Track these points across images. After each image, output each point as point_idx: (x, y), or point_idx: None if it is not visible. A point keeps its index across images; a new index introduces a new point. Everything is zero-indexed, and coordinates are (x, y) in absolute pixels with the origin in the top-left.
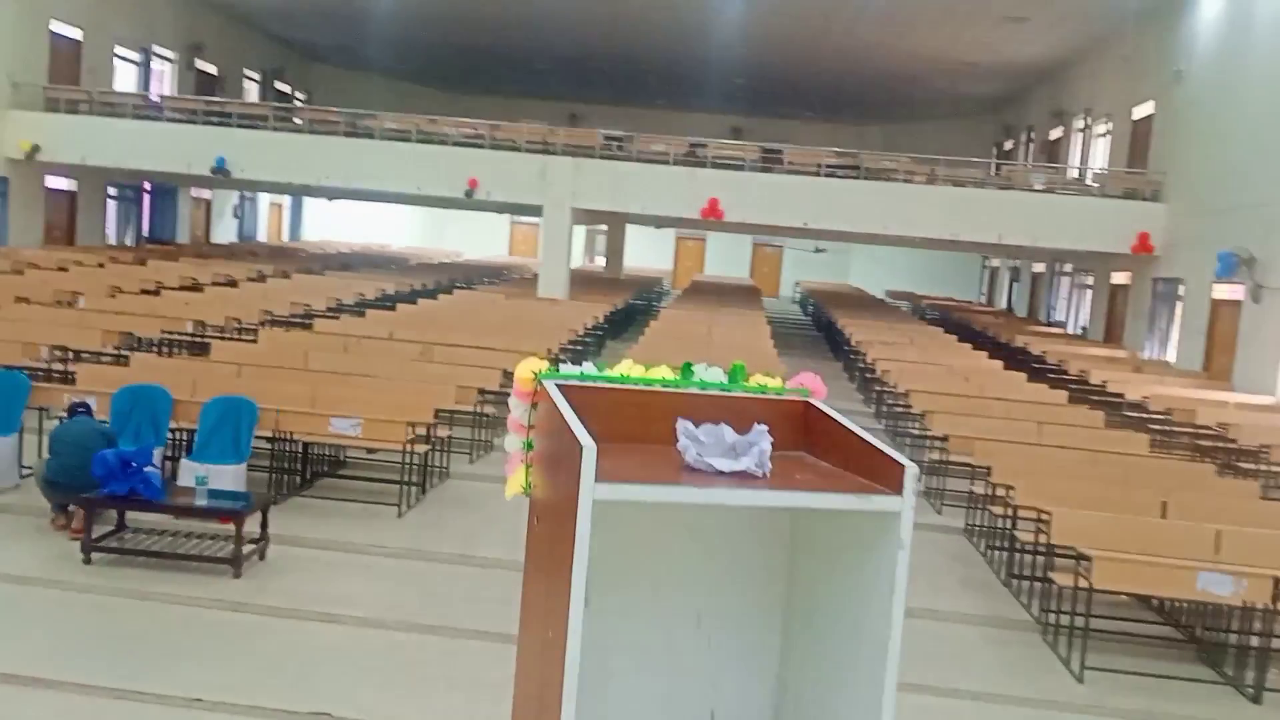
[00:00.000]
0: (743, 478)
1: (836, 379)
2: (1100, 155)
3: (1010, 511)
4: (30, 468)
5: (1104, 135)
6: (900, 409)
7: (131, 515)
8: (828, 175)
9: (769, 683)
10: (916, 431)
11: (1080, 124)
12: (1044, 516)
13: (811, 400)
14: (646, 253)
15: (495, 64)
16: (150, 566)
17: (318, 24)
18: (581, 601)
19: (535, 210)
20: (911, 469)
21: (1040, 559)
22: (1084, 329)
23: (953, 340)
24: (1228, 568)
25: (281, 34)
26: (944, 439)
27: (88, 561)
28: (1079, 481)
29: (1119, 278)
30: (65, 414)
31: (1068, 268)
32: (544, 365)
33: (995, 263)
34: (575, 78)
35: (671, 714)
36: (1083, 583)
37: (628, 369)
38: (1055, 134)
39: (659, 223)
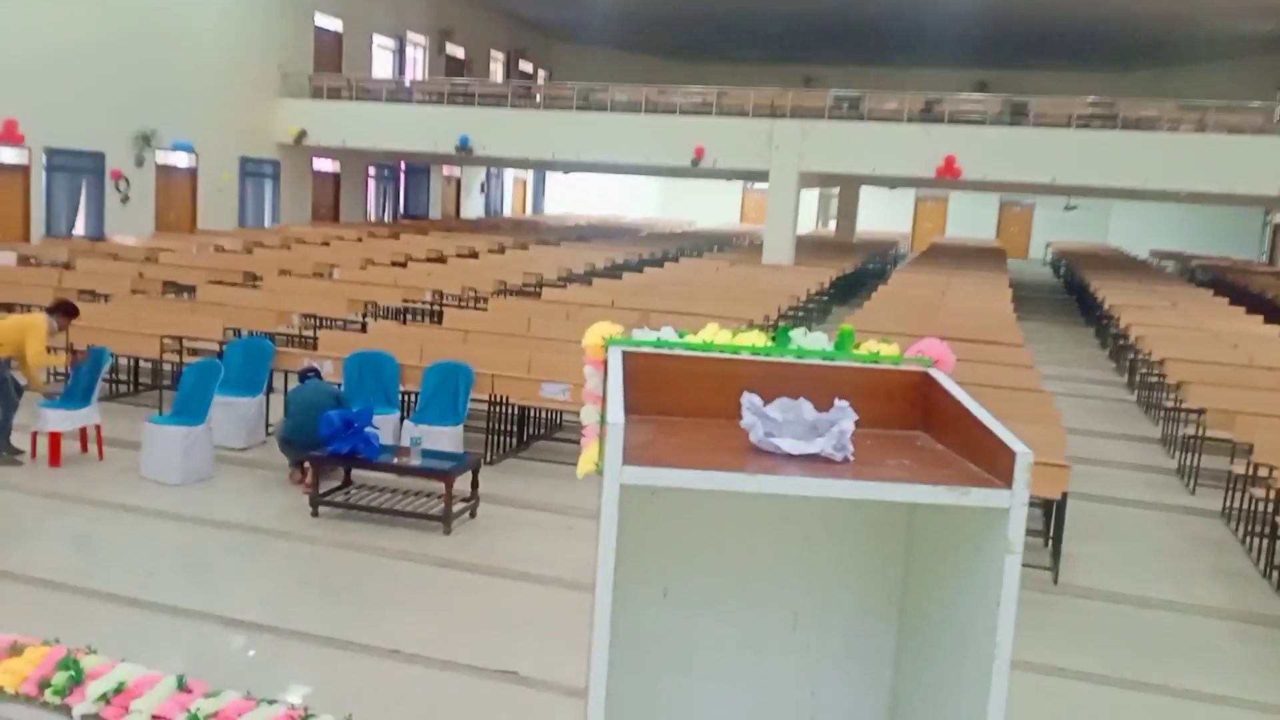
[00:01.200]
0: (816, 462)
1: (1087, 346)
2: None
3: (1273, 495)
4: (275, 426)
5: None
6: (1154, 379)
7: (357, 473)
8: (1080, 127)
9: (880, 695)
10: (1170, 404)
11: None
12: None
13: (932, 371)
14: (884, 215)
15: (727, 31)
16: (371, 521)
17: (556, 3)
18: (609, 595)
19: (766, 177)
20: (1025, 456)
21: None
22: None
23: (1223, 303)
24: None
25: (524, 14)
26: (1200, 412)
27: (315, 514)
28: None
29: None
30: (298, 378)
31: None
32: (617, 330)
33: (1279, 218)
34: (809, 40)
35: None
36: None
37: (712, 335)
38: None
39: (893, 183)
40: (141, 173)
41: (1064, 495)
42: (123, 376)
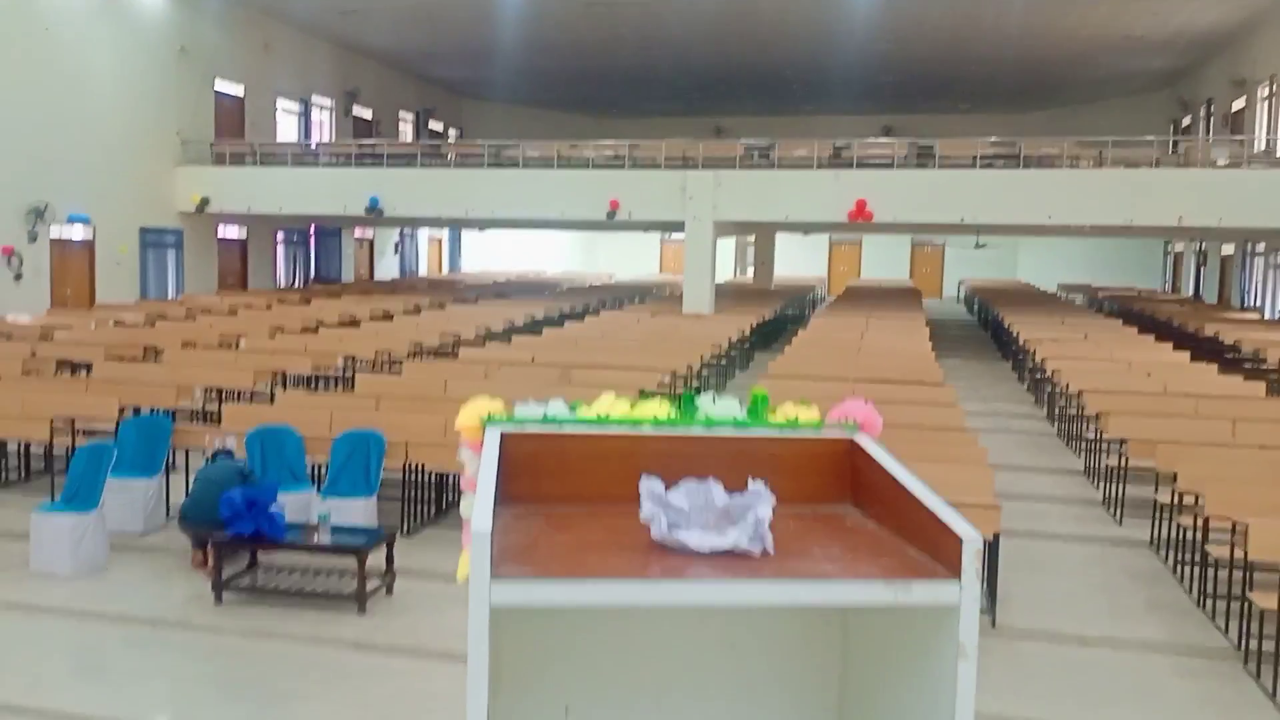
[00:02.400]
0: (731, 559)
1: (1005, 381)
2: None
3: (1200, 523)
4: (175, 508)
5: None
6: (1074, 411)
7: (264, 555)
8: (985, 167)
9: None
10: (1091, 436)
11: (1265, 91)
12: (1239, 528)
13: (858, 438)
14: (799, 261)
15: (636, 84)
16: (279, 604)
17: (464, 63)
18: (484, 698)
19: (682, 227)
20: (973, 542)
21: (1238, 575)
22: None
23: (1132, 332)
24: None
25: (431, 74)
26: (1122, 442)
27: (219, 601)
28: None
29: None
30: (208, 459)
31: (1260, 247)
32: (495, 406)
33: (1179, 247)
34: (718, 92)
35: None
36: None
37: (608, 406)
38: (1238, 105)
39: (806, 229)
40: (35, 248)
41: (996, 536)
42: (13, 463)
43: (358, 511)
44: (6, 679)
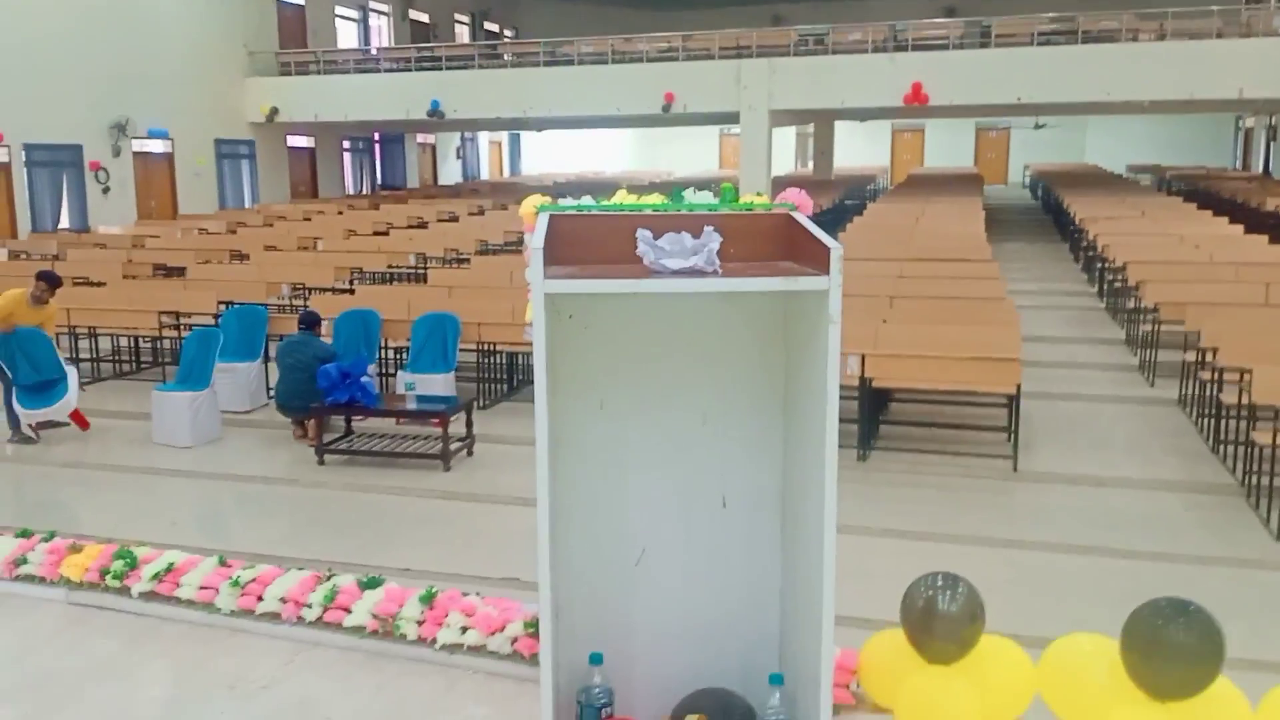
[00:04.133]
0: (694, 274)
1: (1062, 261)
2: None
3: (1216, 375)
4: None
5: None
6: (1119, 284)
7: (357, 423)
8: (1043, 44)
9: (774, 470)
10: (1132, 306)
11: None
12: (1246, 376)
13: (794, 214)
14: (862, 151)
15: None
16: (373, 465)
17: None
18: (545, 399)
19: (738, 119)
20: (836, 250)
21: (1244, 421)
22: None
23: (1191, 209)
24: None
25: None
26: (1156, 307)
27: (321, 463)
28: None
29: None
30: (297, 323)
31: None
32: (546, 199)
33: (1250, 123)
34: None
35: (687, 502)
36: None
37: (621, 198)
38: None
39: (863, 115)
40: (119, 162)
41: (1018, 388)
42: (125, 356)
43: (438, 385)
44: (146, 524)
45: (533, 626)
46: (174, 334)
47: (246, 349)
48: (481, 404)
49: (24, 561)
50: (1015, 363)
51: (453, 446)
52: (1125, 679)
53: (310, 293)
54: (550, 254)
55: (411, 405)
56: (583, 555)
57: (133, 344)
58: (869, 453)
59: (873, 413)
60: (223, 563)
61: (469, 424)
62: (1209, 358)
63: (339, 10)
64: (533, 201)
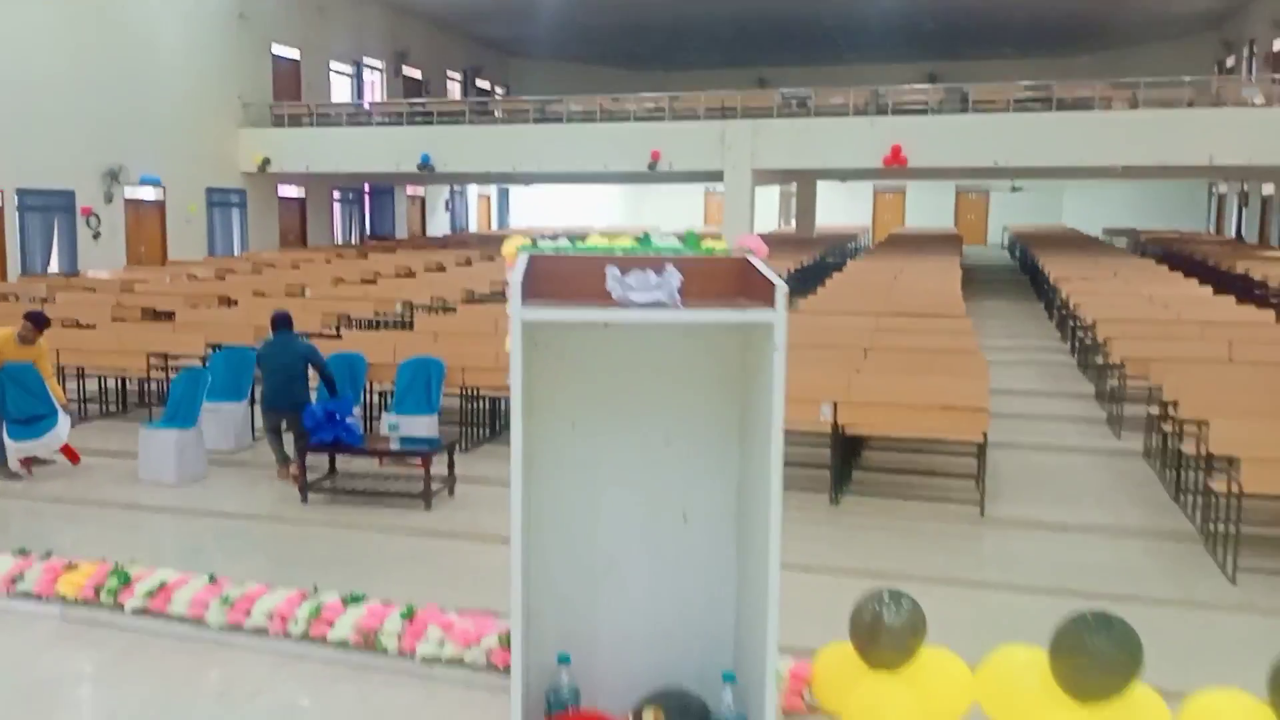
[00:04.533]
0: (657, 306)
1: (1037, 320)
2: None
3: (1177, 427)
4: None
5: None
6: (1089, 340)
7: (341, 463)
8: (1019, 111)
9: (730, 488)
10: (1100, 361)
11: None
12: (1204, 427)
13: (750, 257)
14: (845, 210)
15: (679, 37)
16: (356, 503)
17: (511, 21)
18: (520, 412)
19: (721, 177)
20: (782, 287)
21: (1202, 471)
22: None
23: (1163, 271)
24: None
25: (479, 33)
26: (1121, 364)
27: (305, 500)
28: (1254, 395)
29: None
30: (271, 324)
31: None
32: (526, 240)
33: (1223, 189)
34: (759, 43)
35: (652, 516)
36: (1235, 488)
37: (595, 240)
38: (1279, 45)
39: (844, 176)
40: (111, 208)
41: (985, 436)
42: (112, 397)
43: (421, 427)
44: (130, 555)
45: (507, 639)
46: (162, 375)
47: (233, 389)
48: (464, 447)
49: (21, 579)
50: (983, 412)
51: (434, 487)
52: (1053, 685)
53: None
54: (528, 289)
55: (395, 446)
56: (553, 564)
57: (120, 385)
58: (841, 497)
59: (846, 459)
60: (212, 580)
61: (451, 465)
62: (1171, 411)
63: (333, 65)
64: (514, 242)
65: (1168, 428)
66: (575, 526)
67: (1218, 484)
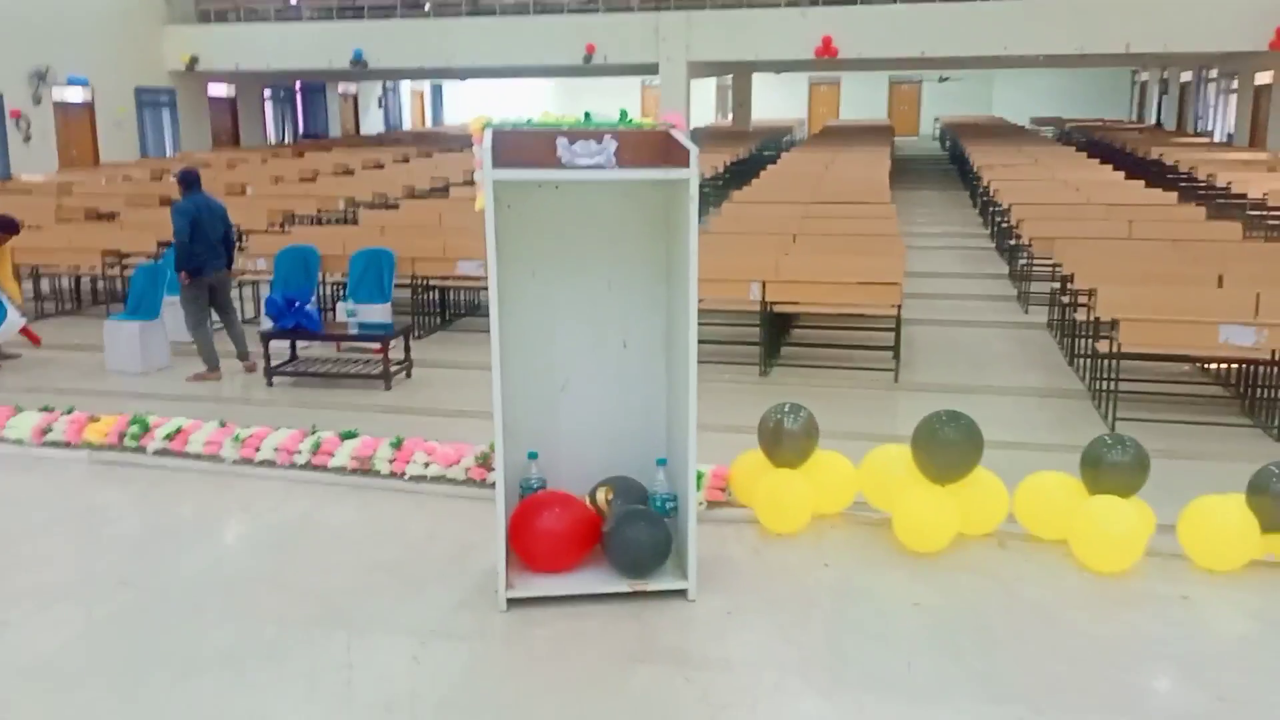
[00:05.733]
0: (598, 169)
1: (963, 208)
2: None
3: (1072, 298)
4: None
5: None
6: (1005, 224)
7: (301, 349)
8: (946, 1)
9: (660, 318)
10: (1013, 242)
11: None
12: (1092, 295)
13: (671, 130)
14: (781, 103)
15: None
16: (319, 385)
17: None
18: (495, 261)
19: (657, 70)
20: (694, 150)
21: (1093, 337)
22: (1230, 136)
23: (1081, 158)
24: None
25: None
26: (1029, 244)
27: (270, 384)
28: (1143, 263)
29: (1263, 78)
30: (178, 180)
31: (1214, 74)
32: (490, 118)
33: (1145, 77)
34: None
35: (598, 344)
36: (1115, 348)
37: (545, 116)
38: None
39: (779, 68)
40: (40, 110)
41: (899, 309)
42: (66, 296)
43: (376, 315)
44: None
45: (482, 459)
46: (115, 273)
47: None
48: (417, 335)
49: (50, 430)
50: (896, 286)
51: (392, 369)
52: (916, 471)
53: (246, 235)
54: (496, 157)
55: (353, 330)
56: (522, 382)
57: (74, 283)
58: (770, 370)
59: (775, 337)
60: (222, 424)
61: (407, 349)
62: (1069, 284)
63: None
64: (480, 120)
65: (1065, 299)
66: (537, 353)
67: (1102, 346)
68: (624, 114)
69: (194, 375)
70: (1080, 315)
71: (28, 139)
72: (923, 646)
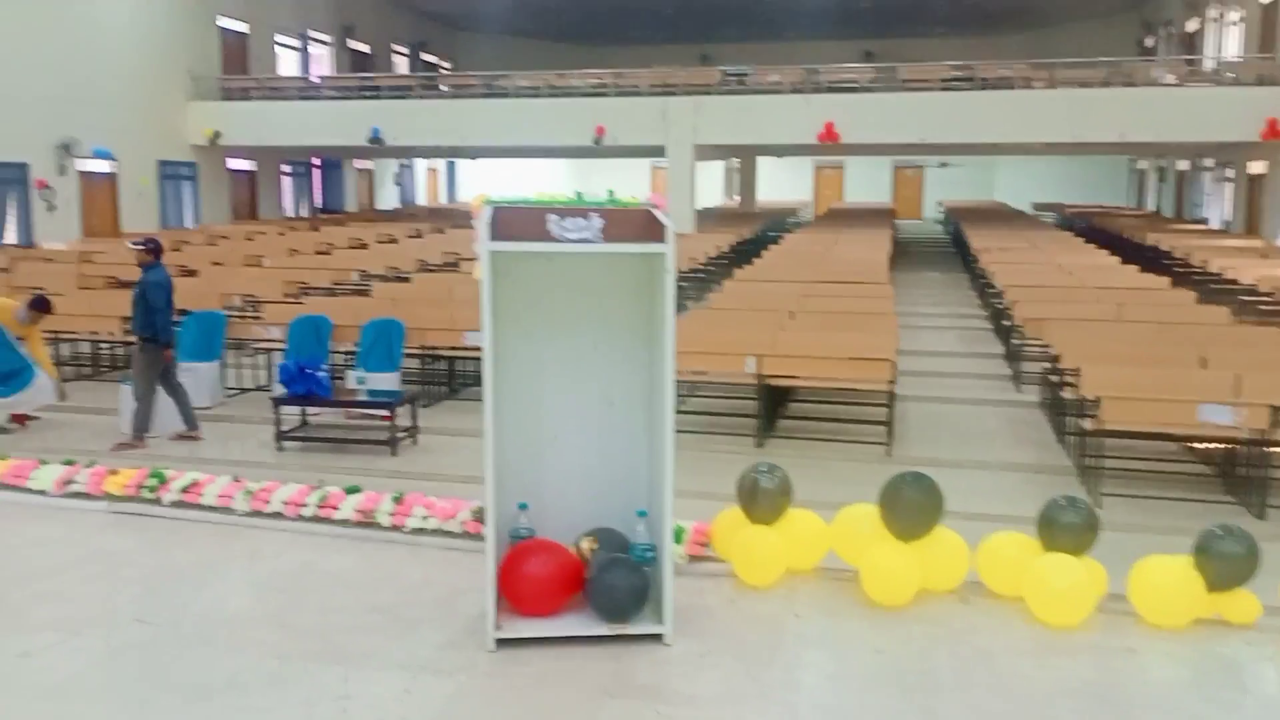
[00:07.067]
0: (585, 242)
1: (961, 289)
2: (1233, 45)
3: (1060, 377)
4: (233, 389)
5: (1237, 24)
6: (1001, 305)
7: (311, 415)
8: (947, 89)
9: (642, 378)
10: (1009, 324)
11: (1214, 13)
12: (1078, 375)
13: (652, 209)
14: (787, 185)
15: (623, 14)
16: (327, 450)
17: None
18: (489, 323)
19: (664, 151)
20: (670, 226)
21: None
22: (1226, 223)
23: (1078, 243)
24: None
25: (425, 8)
26: (1022, 325)
27: (280, 449)
28: (1130, 345)
29: (1256, 168)
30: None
31: (1209, 163)
32: (489, 196)
33: (1143, 165)
34: (702, 19)
35: (584, 401)
36: (1098, 426)
37: (538, 195)
38: (1192, 26)
39: (780, 152)
40: (64, 180)
41: (891, 386)
42: (85, 361)
43: (385, 382)
44: None
45: (477, 513)
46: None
47: (205, 350)
48: (424, 403)
49: (72, 481)
50: (889, 362)
51: (399, 436)
52: (882, 528)
53: (261, 304)
54: (494, 230)
55: (362, 396)
56: (513, 436)
57: (93, 349)
58: (766, 442)
59: (771, 410)
60: (235, 479)
61: (414, 416)
62: (1058, 364)
63: (279, 39)
64: (480, 197)
65: (1055, 378)
66: (527, 409)
67: (1087, 423)
68: (610, 194)
69: (119, 444)
70: (1068, 393)
71: (52, 208)
72: (875, 685)
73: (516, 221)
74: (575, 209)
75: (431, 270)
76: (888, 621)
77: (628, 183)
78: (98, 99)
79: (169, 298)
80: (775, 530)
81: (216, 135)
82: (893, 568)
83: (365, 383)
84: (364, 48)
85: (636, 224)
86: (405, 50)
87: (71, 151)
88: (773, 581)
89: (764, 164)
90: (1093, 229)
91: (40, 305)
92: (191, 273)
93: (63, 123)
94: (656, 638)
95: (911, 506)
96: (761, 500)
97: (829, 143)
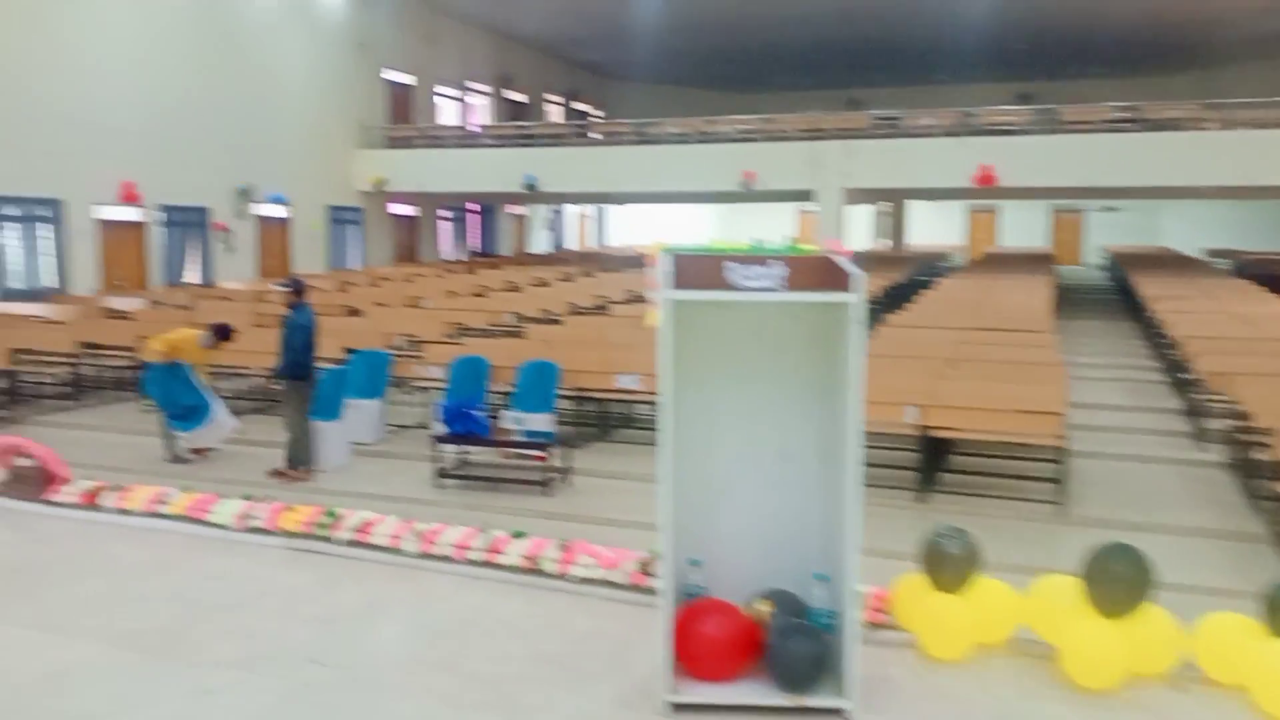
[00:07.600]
0: (766, 290)
1: (1130, 339)
2: None
3: (1253, 437)
4: (392, 426)
5: None
6: (1176, 358)
7: (468, 454)
8: (1110, 131)
9: (814, 431)
10: (1187, 377)
11: None
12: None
13: (831, 255)
14: (939, 229)
15: (770, 61)
16: (484, 489)
17: (608, 45)
18: (670, 370)
19: (813, 197)
20: (857, 275)
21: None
22: None
23: (1254, 290)
24: None
25: (577, 58)
26: (1204, 379)
27: (440, 486)
28: None
29: None
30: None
31: None
32: (666, 244)
33: None
34: (851, 64)
35: (759, 454)
36: None
37: (715, 243)
38: None
39: (932, 195)
40: (242, 223)
41: (1061, 440)
42: (259, 396)
43: (540, 423)
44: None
45: (641, 565)
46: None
47: (370, 388)
48: (577, 444)
49: (251, 516)
50: (1058, 416)
51: (553, 476)
52: (1085, 603)
53: (422, 344)
54: (673, 278)
55: (519, 437)
56: (684, 488)
57: (266, 383)
58: (928, 496)
59: (933, 463)
60: (404, 520)
61: (568, 457)
62: (1248, 421)
63: (440, 89)
64: (656, 244)
65: (1245, 437)
66: (698, 461)
67: None
68: (789, 244)
69: (278, 471)
70: (1262, 454)
71: (230, 249)
72: None
73: (695, 269)
74: (753, 257)
75: (582, 313)
76: (1093, 707)
77: (774, 227)
78: (274, 147)
79: (308, 339)
80: (962, 599)
81: (383, 181)
82: (1099, 648)
83: (522, 423)
84: (520, 97)
85: (819, 272)
86: (559, 99)
87: (249, 197)
88: (961, 655)
89: (914, 207)
90: (1272, 276)
91: (222, 332)
92: (356, 312)
93: (241, 170)
94: (838, 712)
95: (1120, 581)
96: (948, 566)
97: (985, 186)
